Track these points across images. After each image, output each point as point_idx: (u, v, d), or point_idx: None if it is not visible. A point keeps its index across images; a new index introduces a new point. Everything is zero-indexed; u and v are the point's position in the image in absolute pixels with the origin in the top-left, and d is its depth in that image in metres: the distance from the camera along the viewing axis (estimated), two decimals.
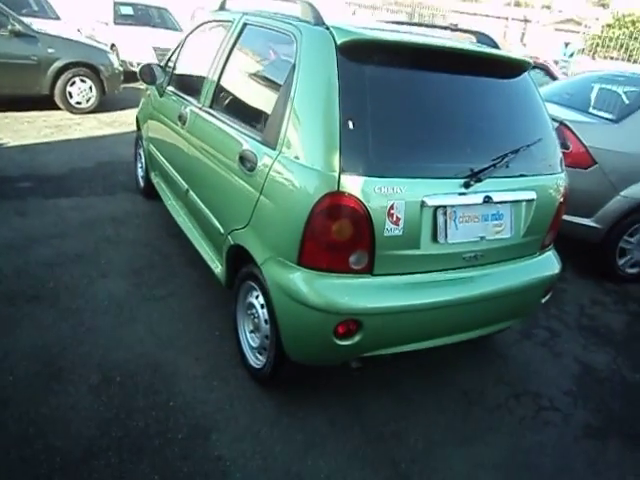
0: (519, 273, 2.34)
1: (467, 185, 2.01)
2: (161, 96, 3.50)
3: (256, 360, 2.39)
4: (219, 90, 2.69)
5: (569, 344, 3.13)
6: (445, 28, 2.90)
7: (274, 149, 2.06)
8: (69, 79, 6.67)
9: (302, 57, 2.04)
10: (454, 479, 2.07)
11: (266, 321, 2.23)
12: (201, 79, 2.93)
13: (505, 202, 2.15)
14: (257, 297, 2.31)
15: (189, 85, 3.18)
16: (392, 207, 1.88)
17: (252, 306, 2.35)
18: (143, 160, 4.17)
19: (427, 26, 2.91)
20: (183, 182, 3.07)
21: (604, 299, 3.75)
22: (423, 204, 1.94)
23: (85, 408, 2.14)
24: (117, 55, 8.51)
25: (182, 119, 2.99)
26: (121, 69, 7.37)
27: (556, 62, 18.89)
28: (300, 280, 1.94)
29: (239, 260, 2.42)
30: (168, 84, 3.46)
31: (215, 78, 2.72)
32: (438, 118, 2.10)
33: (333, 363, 2.25)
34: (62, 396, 2.18)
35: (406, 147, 1.98)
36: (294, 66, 2.06)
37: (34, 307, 2.73)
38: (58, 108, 6.85)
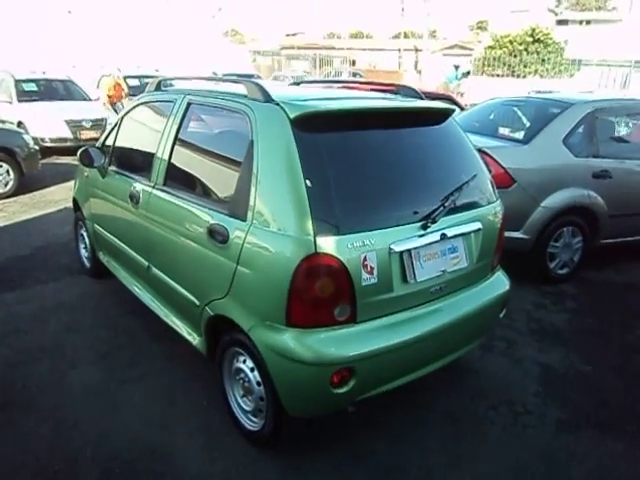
0: (478, 296, 2.58)
1: (425, 227, 2.24)
2: (103, 177, 3.52)
3: (252, 423, 2.45)
4: (171, 168, 2.78)
5: (525, 349, 3.42)
6: (369, 84, 3.18)
7: (244, 221, 2.19)
8: None
9: (259, 133, 2.20)
10: None
11: (258, 383, 2.31)
12: (148, 158, 3.01)
13: (457, 235, 2.40)
14: (244, 361, 2.38)
15: (135, 164, 3.24)
16: (365, 258, 2.06)
17: (240, 371, 2.42)
18: (87, 241, 4.12)
19: (353, 82, 3.19)
20: (142, 260, 3.10)
21: (544, 301, 4.12)
22: (391, 251, 2.14)
23: None
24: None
25: (134, 198, 3.04)
26: (37, 148, 7.19)
27: (447, 84, 20.48)
28: (291, 340, 2.06)
29: (219, 329, 2.49)
30: (109, 164, 3.50)
31: (165, 157, 2.81)
32: (388, 170, 2.33)
33: (331, 411, 2.35)
34: None
35: (367, 202, 2.19)
36: (252, 142, 2.22)
37: (9, 414, 2.63)
38: None
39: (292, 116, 2.13)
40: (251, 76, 15.95)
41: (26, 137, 6.97)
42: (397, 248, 2.15)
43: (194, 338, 2.72)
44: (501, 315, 2.80)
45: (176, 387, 2.88)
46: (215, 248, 2.33)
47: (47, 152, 9.11)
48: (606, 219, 4.41)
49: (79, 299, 3.91)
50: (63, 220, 5.89)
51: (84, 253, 4.31)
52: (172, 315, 2.93)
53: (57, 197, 6.94)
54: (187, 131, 2.76)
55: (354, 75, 23.00)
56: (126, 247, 3.32)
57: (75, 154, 10.14)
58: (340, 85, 3.26)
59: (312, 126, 2.15)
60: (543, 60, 21.94)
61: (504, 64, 21.63)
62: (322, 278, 2.00)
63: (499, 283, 2.75)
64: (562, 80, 20.58)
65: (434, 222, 2.26)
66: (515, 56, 22.34)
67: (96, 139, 9.49)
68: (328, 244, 2.00)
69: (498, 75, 21.34)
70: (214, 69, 15.54)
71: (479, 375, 3.12)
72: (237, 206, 2.25)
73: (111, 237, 3.54)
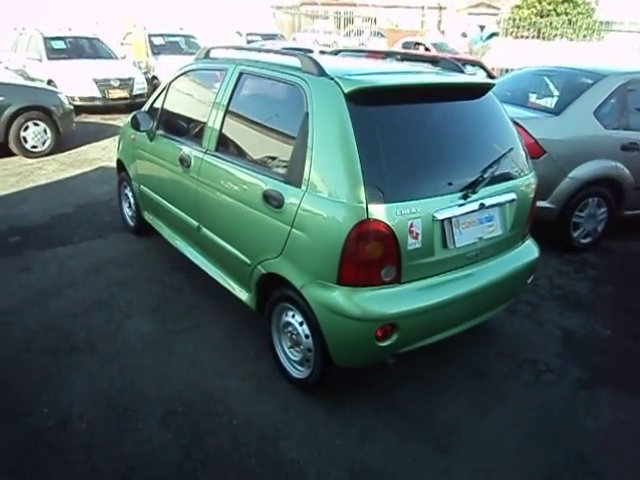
0: (509, 262, 2.77)
1: (465, 197, 2.42)
2: (151, 140, 3.70)
3: (298, 372, 2.70)
4: (224, 135, 2.96)
5: (548, 313, 3.62)
6: (411, 54, 3.29)
7: (299, 187, 2.38)
8: (22, 124, 6.65)
9: (314, 106, 2.36)
10: (486, 441, 2.47)
11: (307, 336, 2.55)
12: (199, 124, 3.19)
13: (493, 205, 2.57)
14: (293, 316, 2.62)
15: (185, 130, 3.42)
16: (412, 225, 2.25)
17: (289, 324, 2.66)
18: (132, 200, 4.35)
19: (395, 53, 3.29)
20: (192, 220, 3.31)
21: (567, 269, 4.29)
22: (434, 218, 2.32)
23: (161, 440, 2.38)
24: None
25: (184, 162, 3.22)
26: (72, 107, 7.36)
27: (471, 45, 20.01)
28: (341, 297, 2.28)
29: (269, 286, 2.72)
30: (157, 128, 3.67)
31: (217, 124, 2.98)
32: (433, 143, 2.49)
33: (375, 362, 2.59)
34: (136, 433, 2.42)
35: (413, 173, 2.36)
36: (307, 114, 2.38)
37: (77, 357, 2.92)
38: (12, 154, 6.81)
39: (346, 91, 2.28)
40: (274, 35, 15.79)
41: (61, 96, 7.14)
42: (440, 216, 2.33)
43: (243, 294, 2.96)
44: (529, 281, 2.99)
45: (225, 338, 3.15)
46: (269, 212, 2.53)
47: (76, 111, 9.25)
48: (632, 191, 4.52)
49: (126, 255, 4.17)
50: (100, 179, 6.14)
51: (128, 212, 4.54)
52: (222, 272, 3.16)
53: (91, 156, 7.17)
54: (239, 100, 2.92)
55: (376, 34, 22.56)
56: (174, 208, 3.53)
57: (103, 113, 10.32)
58: (382, 55, 3.36)
59: (364, 100, 2.30)
60: (571, 22, 21.24)
61: (532, 25, 20.99)
62: (372, 242, 2.20)
63: (529, 251, 2.92)
64: (590, 44, 19.99)
65: (474, 193, 2.43)
66: (543, 16, 21.66)
67: (124, 98, 9.81)
68: (378, 211, 2.18)
69: (525, 37, 20.74)
70: (237, 28, 15.39)
71: (504, 336, 3.34)
72: (292, 174, 2.43)
73: (158, 198, 3.75)
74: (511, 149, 2.71)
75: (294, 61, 2.60)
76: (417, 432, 2.50)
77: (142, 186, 4.02)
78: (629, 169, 4.43)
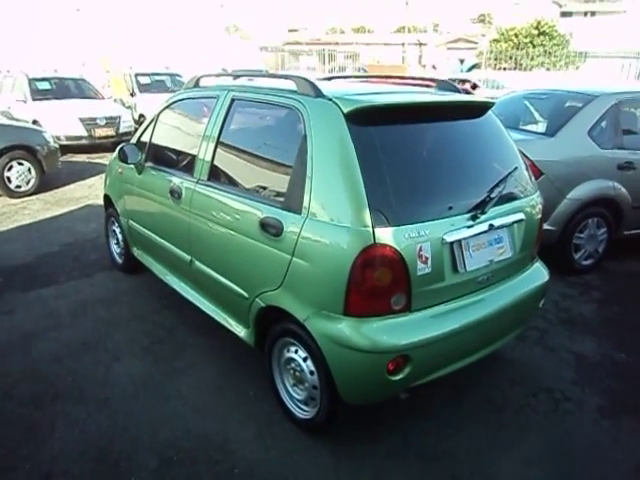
0: (520, 286, 2.64)
1: (474, 218, 2.30)
2: (140, 173, 3.58)
3: (303, 412, 2.51)
4: (216, 163, 2.84)
5: (558, 338, 3.48)
6: (407, 78, 3.23)
7: (299, 214, 2.25)
8: (6, 164, 6.50)
9: (313, 128, 2.25)
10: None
11: (312, 372, 2.37)
12: (190, 154, 3.07)
13: (503, 226, 2.45)
14: (296, 351, 2.44)
15: (175, 160, 3.30)
16: (421, 249, 2.12)
17: (292, 360, 2.48)
18: (120, 236, 4.18)
19: (389, 77, 3.23)
20: (183, 254, 3.16)
21: (571, 292, 4.17)
22: (443, 241, 2.19)
23: None
24: None
25: (175, 194, 3.09)
26: (57, 146, 7.25)
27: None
28: (348, 328, 2.12)
29: (268, 320, 2.55)
30: (145, 161, 3.55)
31: (209, 152, 2.87)
32: (437, 163, 2.39)
33: (386, 398, 2.41)
34: None
35: (420, 194, 2.25)
36: (305, 137, 2.27)
37: (62, 405, 2.70)
38: None
39: (346, 111, 2.18)
40: (260, 71, 16.00)
41: (46, 135, 7.03)
42: (449, 238, 2.20)
43: (241, 329, 2.78)
44: (540, 305, 2.86)
45: (221, 378, 2.95)
46: (268, 241, 2.39)
47: (62, 150, 9.15)
48: (630, 210, 4.46)
49: (114, 294, 3.98)
50: (87, 217, 5.97)
51: (116, 249, 4.37)
52: (217, 307, 2.99)
53: (77, 195, 7.02)
54: (232, 127, 2.81)
55: (359, 70, 23.01)
56: (165, 242, 3.37)
57: (89, 152, 10.27)
58: (376, 80, 3.31)
59: (364, 120, 2.20)
60: (549, 53, 21.91)
61: (510, 57, 21.60)
62: (380, 269, 2.06)
63: (539, 273, 2.80)
64: (568, 72, 20.56)
65: (483, 213, 2.32)
66: (521, 49, 22.32)
67: (111, 136, 9.73)
68: (386, 235, 2.05)
69: (504, 69, 21.31)
70: (223, 65, 15.57)
71: (515, 364, 3.18)
72: (291, 200, 2.30)
73: (148, 232, 3.60)
74: (516, 168, 2.61)
75: (289, 84, 2.51)
76: (435, 474, 2.31)
77: (131, 221, 3.86)
78: (626, 188, 4.38)
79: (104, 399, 2.75)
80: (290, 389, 2.57)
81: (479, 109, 2.70)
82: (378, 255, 2.05)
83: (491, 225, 2.37)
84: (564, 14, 32.81)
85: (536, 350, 3.34)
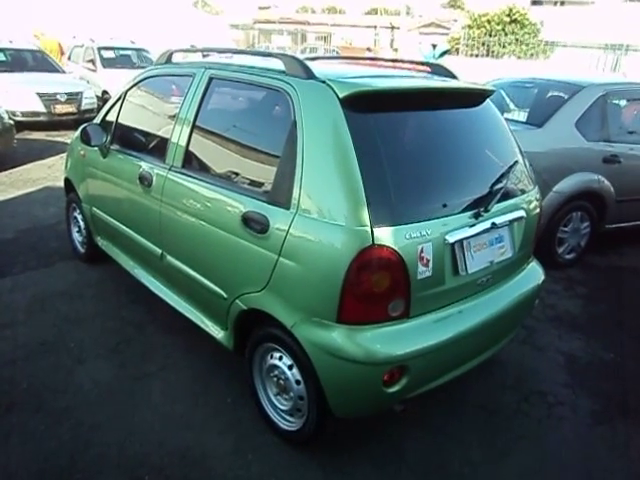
0: (518, 287, 2.49)
1: (477, 216, 2.12)
2: (105, 156, 3.26)
3: (287, 423, 2.31)
4: (192, 149, 2.57)
5: (546, 337, 3.38)
6: (403, 62, 3.01)
7: (287, 209, 2.02)
8: None
9: (303, 113, 2.01)
10: None
11: (298, 382, 2.17)
12: (162, 138, 2.79)
13: (504, 225, 2.28)
14: (281, 358, 2.23)
15: (144, 144, 3.00)
16: (422, 250, 1.92)
17: (275, 368, 2.27)
18: (82, 224, 3.86)
19: (380, 60, 3.01)
20: (153, 247, 2.89)
21: (556, 287, 4.09)
22: (445, 241, 2.01)
23: None
24: None
25: (145, 181, 2.81)
26: (12, 122, 6.74)
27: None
28: (341, 337, 1.92)
29: (249, 323, 2.33)
30: (111, 143, 3.24)
31: (183, 137, 2.59)
32: (438, 154, 2.20)
33: (380, 411, 2.24)
34: None
35: (421, 189, 2.05)
36: (294, 123, 2.03)
37: (17, 416, 2.42)
38: None
39: (341, 95, 1.95)
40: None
41: (0, 110, 6.51)
42: (451, 238, 2.02)
43: (218, 332, 2.55)
44: (535, 304, 2.73)
45: (196, 383, 2.72)
46: (251, 237, 2.15)
47: (18, 127, 8.58)
48: (613, 204, 4.40)
49: (76, 287, 3.67)
50: (45, 200, 5.57)
51: (77, 237, 4.04)
52: (191, 306, 2.74)
53: (35, 176, 6.56)
54: (210, 109, 2.54)
55: (331, 51, 22.61)
56: (133, 233, 3.09)
57: (48, 129, 9.71)
58: (366, 62, 3.07)
59: (362, 106, 1.98)
60: (520, 41, 21.95)
61: (482, 44, 21.55)
62: (379, 273, 1.86)
63: (535, 273, 2.66)
64: (538, 61, 20.68)
65: (487, 211, 2.14)
66: (492, 36, 22.29)
67: (72, 113, 9.18)
68: (385, 235, 1.85)
69: (476, 55, 21.24)
70: (191, 42, 14.94)
71: (505, 365, 3.06)
72: (278, 193, 2.07)
73: (114, 221, 3.30)
74: (516, 162, 2.45)
75: (276, 63, 2.25)
76: None
77: (94, 208, 3.54)
78: (610, 182, 4.31)
79: (65, 408, 2.48)
80: (273, 398, 2.36)
81: (479, 97, 2.50)
82: (377, 258, 1.85)
83: (493, 223, 2.19)
84: (535, 2, 32.97)
85: (525, 350, 3.22)
